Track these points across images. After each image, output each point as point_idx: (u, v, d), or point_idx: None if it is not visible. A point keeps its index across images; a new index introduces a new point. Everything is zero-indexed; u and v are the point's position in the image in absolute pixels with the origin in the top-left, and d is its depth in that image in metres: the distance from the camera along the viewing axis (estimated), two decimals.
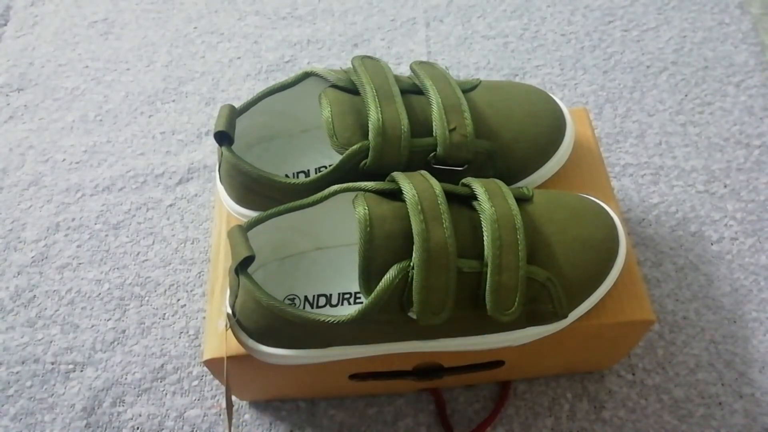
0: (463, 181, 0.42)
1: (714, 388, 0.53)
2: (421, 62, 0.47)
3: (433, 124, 0.43)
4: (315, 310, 0.45)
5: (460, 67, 0.74)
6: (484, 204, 0.39)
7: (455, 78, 0.62)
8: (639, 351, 0.55)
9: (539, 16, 0.78)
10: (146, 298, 0.60)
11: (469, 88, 0.47)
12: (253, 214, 0.46)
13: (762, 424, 0.52)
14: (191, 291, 0.60)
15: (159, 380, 0.56)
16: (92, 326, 0.59)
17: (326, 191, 0.41)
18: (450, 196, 0.40)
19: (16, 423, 0.55)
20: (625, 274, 0.44)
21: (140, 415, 0.55)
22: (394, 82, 0.44)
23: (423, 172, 0.41)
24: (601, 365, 0.53)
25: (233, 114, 0.46)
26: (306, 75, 0.46)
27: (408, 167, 0.42)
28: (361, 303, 0.42)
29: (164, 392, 0.55)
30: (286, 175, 0.50)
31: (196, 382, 0.56)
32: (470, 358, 0.47)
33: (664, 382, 0.54)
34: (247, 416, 0.54)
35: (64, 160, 0.69)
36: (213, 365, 0.44)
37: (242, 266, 0.39)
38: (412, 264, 0.37)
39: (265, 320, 0.39)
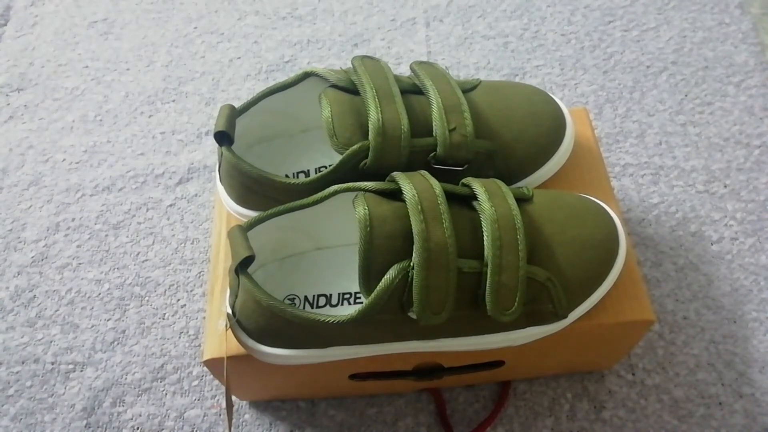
0: (463, 181, 0.42)
1: (714, 388, 0.53)
2: (421, 62, 0.47)
3: (433, 124, 0.43)
4: (315, 310, 0.45)
5: (460, 67, 0.74)
6: (484, 204, 0.39)
7: (455, 78, 0.61)
8: (639, 351, 0.55)
9: (539, 16, 0.78)
10: (146, 298, 0.60)
11: (469, 88, 0.47)
12: (253, 214, 0.46)
13: (762, 424, 0.52)
14: (191, 291, 0.60)
15: (159, 380, 0.56)
16: (92, 326, 0.59)
17: (326, 191, 0.41)
18: (450, 196, 0.40)
19: (16, 423, 0.55)
20: (625, 274, 0.44)
21: (140, 415, 0.55)
22: (394, 82, 0.44)
23: (423, 172, 0.41)
24: (601, 365, 0.53)
25: (233, 114, 0.46)
26: (306, 75, 0.46)
27: (408, 167, 0.42)
28: (361, 303, 0.42)
29: (164, 392, 0.55)
30: (286, 175, 0.50)
31: (196, 382, 0.56)
32: (470, 358, 0.47)
33: (664, 382, 0.54)
34: (247, 416, 0.54)
35: (64, 160, 0.69)
36: (213, 365, 0.44)
37: (242, 266, 0.39)
38: (412, 264, 0.37)
39: (265, 320, 0.39)
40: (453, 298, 0.37)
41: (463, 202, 0.41)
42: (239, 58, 0.76)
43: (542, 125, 0.47)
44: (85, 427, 0.54)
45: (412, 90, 0.45)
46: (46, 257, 0.63)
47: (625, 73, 0.72)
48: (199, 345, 0.57)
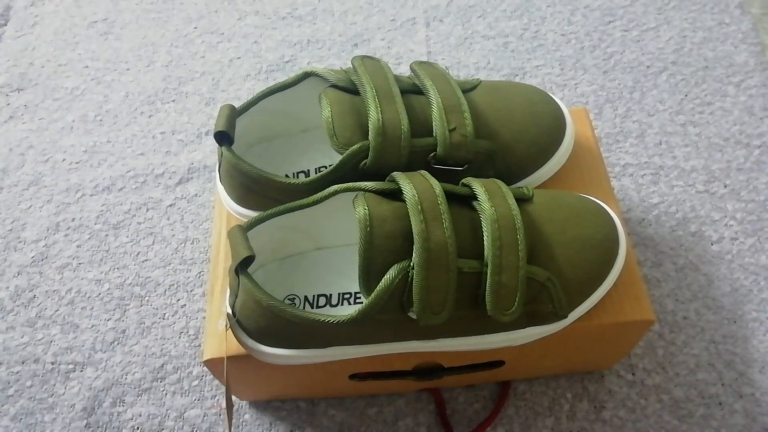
0: (463, 181, 0.42)
1: (714, 388, 0.53)
2: (421, 62, 0.47)
3: (433, 124, 0.43)
4: (315, 310, 0.45)
5: (460, 67, 0.74)
6: (484, 204, 0.39)
7: (455, 78, 0.61)
8: (639, 351, 0.55)
9: (539, 16, 0.78)
10: (146, 298, 0.60)
11: (469, 88, 0.47)
12: (253, 214, 0.46)
13: (762, 424, 0.52)
14: (191, 291, 0.60)
15: (159, 380, 0.56)
16: (92, 326, 0.59)
17: (326, 191, 0.41)
18: (450, 196, 0.40)
19: (16, 423, 0.55)
20: (625, 274, 0.44)
21: (140, 415, 0.55)
22: (394, 82, 0.44)
23: (423, 172, 0.41)
24: (601, 365, 0.53)
25: (233, 114, 0.46)
26: (306, 75, 0.46)
27: (408, 167, 0.42)
28: (361, 303, 0.42)
29: (164, 392, 0.55)
30: (286, 175, 0.50)
31: (196, 382, 0.56)
32: (470, 358, 0.47)
33: (664, 382, 0.54)
34: (247, 416, 0.54)
35: (64, 160, 0.69)
36: (213, 365, 0.44)
37: (242, 266, 0.39)
38: (412, 264, 0.37)
39: (265, 320, 0.39)
40: (453, 298, 0.37)
41: (463, 202, 0.41)
42: (239, 58, 0.76)
43: (542, 125, 0.47)
44: (85, 427, 0.54)
45: (412, 90, 0.45)
46: (46, 257, 0.63)
47: (625, 73, 0.72)
48: (199, 345, 0.57)
